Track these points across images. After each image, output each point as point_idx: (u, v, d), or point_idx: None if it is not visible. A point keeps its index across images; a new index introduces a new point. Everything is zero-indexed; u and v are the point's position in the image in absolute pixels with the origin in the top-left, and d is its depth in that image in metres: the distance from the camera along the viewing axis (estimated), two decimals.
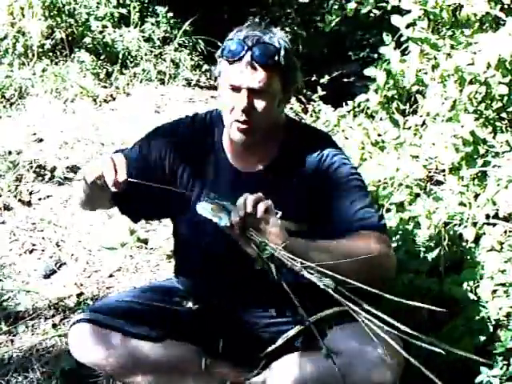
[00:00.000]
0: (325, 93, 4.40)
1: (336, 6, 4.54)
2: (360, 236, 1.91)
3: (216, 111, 2.14)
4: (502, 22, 3.03)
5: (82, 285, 2.85)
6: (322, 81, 4.71)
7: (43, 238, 3.17)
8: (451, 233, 2.52)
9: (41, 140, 4.05)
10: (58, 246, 3.14)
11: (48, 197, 3.54)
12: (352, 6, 3.56)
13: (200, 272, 2.17)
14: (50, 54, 4.92)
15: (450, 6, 3.07)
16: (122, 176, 1.79)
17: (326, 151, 2.05)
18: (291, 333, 2.01)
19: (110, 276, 2.95)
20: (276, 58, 1.91)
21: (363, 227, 1.92)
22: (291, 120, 2.22)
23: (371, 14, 3.47)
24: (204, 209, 1.75)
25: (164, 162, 2.10)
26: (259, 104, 1.93)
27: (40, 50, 4.85)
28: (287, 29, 7.13)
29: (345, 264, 1.78)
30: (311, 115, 4.24)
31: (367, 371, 1.90)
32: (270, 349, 2.05)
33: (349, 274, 1.76)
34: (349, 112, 3.49)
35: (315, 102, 4.43)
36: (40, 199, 3.51)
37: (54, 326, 2.61)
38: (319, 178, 2.02)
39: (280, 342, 2.00)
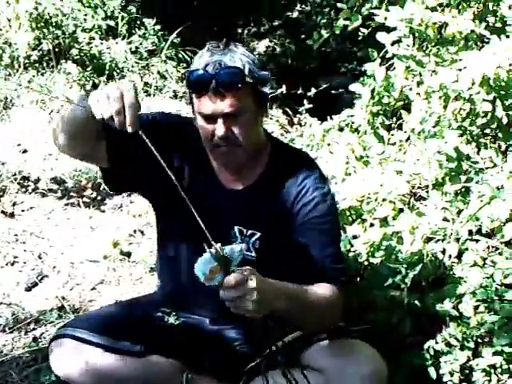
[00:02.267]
0: (311, 106, 4.40)
1: (324, 20, 4.58)
2: (321, 287, 1.95)
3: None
4: (486, 40, 3.05)
5: (63, 298, 2.82)
6: (308, 94, 4.71)
7: (25, 250, 3.14)
8: (434, 248, 2.53)
9: (25, 151, 4.02)
10: (41, 258, 3.12)
11: (31, 208, 3.52)
12: (340, 23, 3.57)
13: (183, 286, 2.16)
14: (37, 65, 4.89)
15: (435, 23, 3.08)
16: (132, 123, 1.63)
17: (308, 183, 2.04)
18: (273, 349, 2.02)
19: (93, 289, 2.93)
20: (241, 78, 1.88)
21: (325, 279, 1.96)
22: (274, 139, 2.20)
23: (359, 33, 3.48)
24: (201, 268, 1.66)
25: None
26: (237, 127, 1.92)
27: (26, 61, 4.82)
28: (275, 41, 7.17)
29: (307, 314, 1.89)
30: (296, 129, 4.24)
31: None
32: (252, 364, 2.06)
33: (306, 322, 1.92)
34: (334, 127, 3.50)
35: (301, 114, 4.42)
36: (23, 210, 3.49)
37: (35, 339, 2.58)
38: (297, 209, 2.02)
39: (262, 357, 2.00)
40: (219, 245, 1.62)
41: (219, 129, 1.91)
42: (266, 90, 1.99)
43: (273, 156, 2.08)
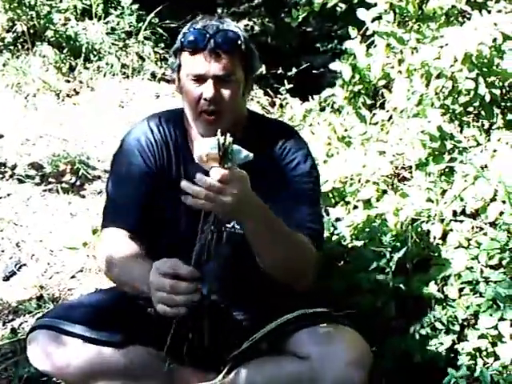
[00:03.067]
0: (292, 86, 4.35)
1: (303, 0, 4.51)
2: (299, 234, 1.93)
3: (173, 111, 2.11)
4: (467, 16, 3.01)
5: (42, 287, 2.77)
6: (289, 74, 4.66)
7: (3, 238, 3.08)
8: (418, 229, 2.50)
9: (1, 136, 3.94)
10: (19, 246, 3.05)
11: (8, 195, 3.44)
12: (319, 0, 3.52)
13: None
14: (11, 47, 4.77)
15: None
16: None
17: (289, 145, 2.06)
18: (257, 336, 1.99)
19: (72, 277, 2.88)
20: (238, 43, 1.92)
21: (306, 236, 1.93)
22: (254, 113, 2.22)
23: (337, 8, 3.44)
24: (201, 147, 1.65)
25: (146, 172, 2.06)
26: (225, 92, 1.93)
27: (0, 43, 4.72)
28: (255, 20, 7.08)
29: (279, 247, 1.83)
30: (278, 110, 4.20)
31: (335, 375, 1.87)
32: (235, 352, 2.02)
33: (276, 257, 1.84)
34: (315, 107, 3.46)
35: (282, 95, 4.38)
36: (0, 198, 3.41)
37: (13, 330, 2.53)
38: (279, 170, 2.03)
39: (246, 345, 1.97)
40: (231, 139, 1.63)
41: (208, 89, 1.91)
42: (255, 64, 2.02)
43: (250, 126, 2.08)
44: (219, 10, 7.12)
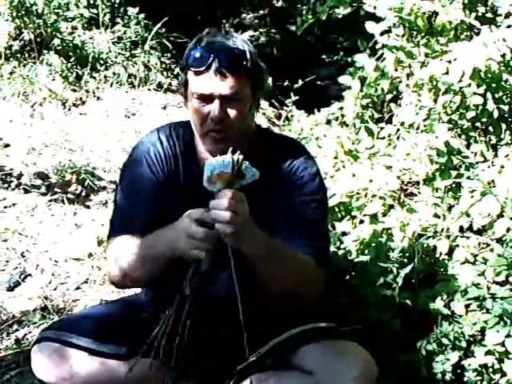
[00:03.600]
0: (298, 98, 4.36)
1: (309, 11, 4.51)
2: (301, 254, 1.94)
3: (182, 123, 2.09)
4: (476, 31, 3.00)
5: (47, 298, 2.75)
6: (295, 86, 4.66)
7: (7, 249, 3.06)
8: (425, 245, 2.49)
9: (7, 145, 3.94)
10: (24, 256, 3.04)
11: (14, 205, 3.43)
12: (325, 8, 3.51)
13: (171, 290, 2.10)
14: (18, 55, 4.79)
15: (425, 13, 3.04)
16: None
17: (298, 162, 2.04)
18: (262, 350, 1.97)
19: (77, 288, 2.86)
20: (243, 62, 1.88)
21: (307, 253, 1.93)
22: (262, 129, 2.19)
23: (343, 12, 3.43)
24: (212, 166, 1.67)
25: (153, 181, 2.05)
26: (232, 111, 1.89)
27: (7, 51, 4.73)
28: (261, 30, 7.10)
29: (283, 267, 1.84)
30: (284, 123, 4.19)
31: None
32: (240, 366, 2.01)
33: (282, 277, 1.86)
34: (322, 120, 3.45)
35: (288, 107, 4.38)
36: (5, 207, 3.40)
37: (17, 341, 2.52)
38: (286, 188, 2.01)
39: (250, 359, 1.96)
40: (242, 156, 1.65)
41: (215, 110, 1.87)
42: (263, 80, 1.99)
43: (258, 141, 2.05)
44: (224, 20, 7.16)
